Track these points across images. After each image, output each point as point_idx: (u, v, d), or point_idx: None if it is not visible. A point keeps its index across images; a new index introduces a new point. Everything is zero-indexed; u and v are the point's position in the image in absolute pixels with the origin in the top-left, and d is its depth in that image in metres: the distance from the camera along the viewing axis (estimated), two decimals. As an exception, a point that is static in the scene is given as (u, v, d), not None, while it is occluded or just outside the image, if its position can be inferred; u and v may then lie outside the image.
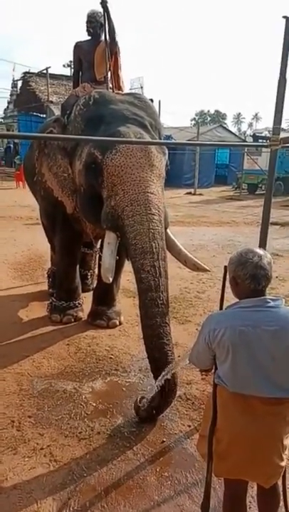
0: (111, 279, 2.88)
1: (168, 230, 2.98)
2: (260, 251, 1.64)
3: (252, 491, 1.98)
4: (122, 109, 3.12)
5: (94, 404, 2.83)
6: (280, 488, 1.78)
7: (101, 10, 3.57)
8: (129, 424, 2.63)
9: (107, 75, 3.67)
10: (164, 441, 2.50)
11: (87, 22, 3.75)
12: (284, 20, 2.62)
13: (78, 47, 3.87)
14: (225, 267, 1.73)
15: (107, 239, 2.93)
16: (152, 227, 2.67)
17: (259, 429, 1.58)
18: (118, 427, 2.60)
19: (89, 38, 3.84)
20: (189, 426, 2.64)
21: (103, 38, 3.64)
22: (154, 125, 3.23)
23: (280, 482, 1.76)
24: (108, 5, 3.52)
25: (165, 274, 2.62)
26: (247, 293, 1.62)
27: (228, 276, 1.70)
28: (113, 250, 2.87)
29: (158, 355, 2.50)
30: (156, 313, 2.50)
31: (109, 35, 3.60)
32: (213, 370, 1.74)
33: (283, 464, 1.64)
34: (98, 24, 3.69)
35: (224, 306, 1.77)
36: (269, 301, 1.59)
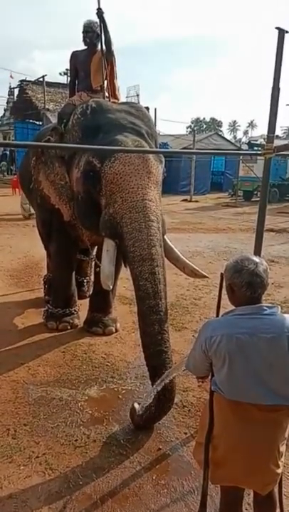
0: (111, 286, 2.89)
1: (165, 237, 3.00)
2: (256, 258, 1.66)
3: (248, 498, 1.97)
4: (119, 118, 3.15)
5: (90, 412, 2.82)
6: (277, 495, 1.78)
7: (97, 20, 3.63)
8: (126, 432, 2.63)
9: (103, 83, 3.71)
10: (160, 449, 2.49)
11: (83, 32, 3.80)
12: (277, 31, 2.67)
13: (75, 56, 3.92)
14: (221, 274, 1.74)
15: (105, 246, 2.94)
16: (151, 234, 2.68)
17: (256, 436, 1.58)
18: (114, 435, 2.60)
19: (85, 47, 3.89)
20: (186, 433, 2.64)
21: (99, 47, 3.69)
22: (151, 133, 3.27)
23: (276, 489, 1.76)
24: (104, 15, 3.58)
25: (164, 281, 2.63)
26: (243, 300, 1.63)
27: (224, 284, 1.71)
28: (112, 257, 2.88)
29: (156, 362, 2.50)
30: (154, 321, 2.50)
31: (105, 44, 3.65)
32: (209, 377, 1.74)
33: (279, 471, 1.64)
34: (94, 34, 3.74)
35: (220, 314, 1.78)
36: (265, 308, 1.60)
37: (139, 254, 2.63)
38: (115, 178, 2.84)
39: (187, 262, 3.14)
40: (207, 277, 3.26)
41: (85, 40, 3.84)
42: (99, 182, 2.95)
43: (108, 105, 3.31)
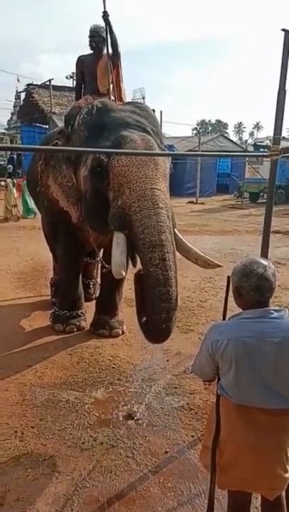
0: (124, 274, 2.82)
1: (176, 230, 2.98)
2: (265, 261, 1.64)
3: (256, 501, 1.96)
4: (124, 116, 3.18)
5: (97, 415, 2.82)
6: (284, 500, 1.76)
7: (103, 24, 3.65)
8: (132, 435, 2.63)
9: (109, 87, 3.73)
10: (167, 452, 2.49)
11: (89, 36, 3.83)
12: (283, 32, 2.67)
13: (81, 61, 3.95)
14: (228, 276, 1.73)
15: (116, 239, 2.89)
16: (160, 220, 2.67)
17: (263, 440, 1.57)
18: (121, 437, 2.60)
19: (91, 51, 3.91)
20: (192, 436, 2.63)
21: (105, 51, 3.71)
22: (156, 132, 3.27)
23: (284, 493, 1.74)
24: (109, 18, 3.60)
25: (175, 268, 2.62)
26: (251, 304, 1.61)
27: (231, 287, 1.70)
28: (123, 249, 2.83)
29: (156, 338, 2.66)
30: (163, 309, 2.50)
31: (111, 47, 3.67)
32: (216, 380, 1.73)
33: (287, 475, 1.62)
34: (100, 39, 3.77)
35: (227, 316, 1.77)
36: (272, 312, 1.59)
37: (149, 241, 2.61)
38: (123, 170, 2.84)
39: (199, 253, 3.11)
40: (221, 266, 3.21)
41: (91, 45, 3.87)
42: (106, 176, 2.94)
43: (113, 105, 3.34)
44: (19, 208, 11.69)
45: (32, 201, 11.62)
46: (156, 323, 2.51)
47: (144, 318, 2.62)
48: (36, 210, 11.37)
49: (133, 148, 2.86)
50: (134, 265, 2.89)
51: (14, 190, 11.70)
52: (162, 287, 2.50)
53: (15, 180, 12.92)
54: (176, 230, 2.98)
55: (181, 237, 3.07)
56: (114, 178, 2.90)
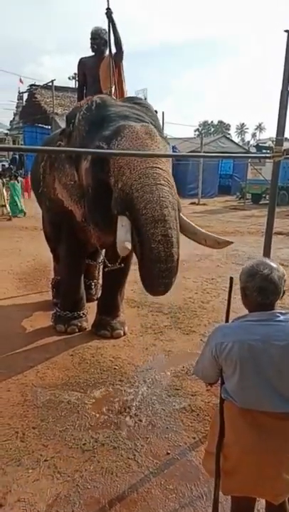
0: (129, 247, 2.73)
1: (181, 214, 2.94)
2: (273, 264, 1.61)
3: (259, 504, 1.95)
4: (123, 110, 3.19)
5: (98, 416, 2.81)
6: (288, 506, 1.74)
7: (105, 27, 3.67)
8: (134, 436, 2.62)
9: (111, 88, 3.74)
10: (168, 454, 2.48)
11: (91, 39, 3.86)
12: (286, 34, 2.66)
13: (82, 63, 3.98)
14: (230, 278, 1.72)
15: (120, 222, 2.82)
16: (162, 195, 2.63)
17: (268, 444, 1.54)
18: (122, 439, 2.59)
19: (93, 53, 3.93)
20: (194, 438, 2.62)
21: (107, 53, 3.73)
22: (155, 125, 3.26)
23: (287, 500, 1.72)
24: (113, 15, 3.61)
25: (177, 244, 2.59)
26: (255, 305, 1.60)
27: (234, 288, 1.69)
28: (128, 229, 2.77)
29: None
30: (161, 284, 2.55)
31: (115, 45, 3.68)
32: (219, 382, 1.72)
33: None
34: (102, 41, 3.79)
35: (231, 318, 1.76)
36: (278, 315, 1.57)
37: (151, 216, 2.58)
38: None
39: (207, 233, 3.08)
40: (233, 243, 3.17)
41: (92, 47, 3.90)
42: (107, 163, 2.92)
43: (112, 100, 3.36)
44: (7, 207, 11.80)
45: (21, 201, 11.99)
46: (155, 292, 2.77)
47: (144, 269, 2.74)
48: (25, 210, 11.66)
49: (132, 133, 2.84)
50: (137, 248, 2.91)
51: (4, 190, 11.78)
52: (163, 264, 2.50)
53: (5, 180, 13.04)
54: (181, 214, 2.95)
55: (186, 220, 3.04)
56: (114, 163, 2.87)
